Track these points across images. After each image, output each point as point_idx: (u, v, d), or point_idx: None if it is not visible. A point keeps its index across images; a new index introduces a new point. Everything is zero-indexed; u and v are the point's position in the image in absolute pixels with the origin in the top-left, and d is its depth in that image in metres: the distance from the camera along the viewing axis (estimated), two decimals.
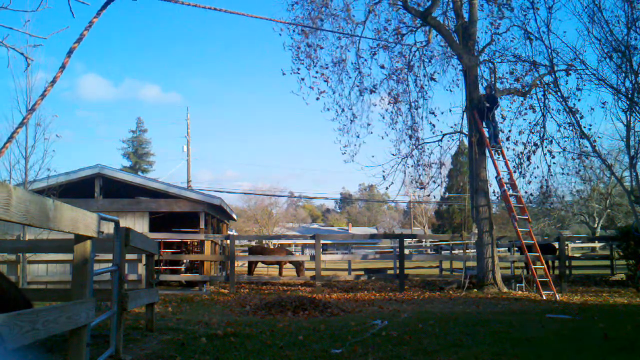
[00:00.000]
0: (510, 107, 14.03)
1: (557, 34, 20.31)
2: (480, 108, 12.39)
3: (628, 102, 9.46)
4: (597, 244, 32.78)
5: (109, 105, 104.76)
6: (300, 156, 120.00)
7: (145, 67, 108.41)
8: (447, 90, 14.97)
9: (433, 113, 14.47)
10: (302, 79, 13.94)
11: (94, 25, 3.08)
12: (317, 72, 14.13)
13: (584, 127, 12.25)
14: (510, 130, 13.84)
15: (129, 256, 6.56)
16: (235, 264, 13.97)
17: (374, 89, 14.65)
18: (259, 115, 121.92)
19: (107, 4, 3.02)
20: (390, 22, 14.39)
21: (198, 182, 70.10)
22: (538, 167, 13.64)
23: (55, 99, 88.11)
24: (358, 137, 14.74)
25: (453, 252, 20.66)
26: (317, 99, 14.25)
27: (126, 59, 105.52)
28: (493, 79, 13.62)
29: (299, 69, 13.96)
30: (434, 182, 14.68)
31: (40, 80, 20.72)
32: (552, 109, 13.34)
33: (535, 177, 13.83)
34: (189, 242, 16.90)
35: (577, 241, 29.22)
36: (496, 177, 12.19)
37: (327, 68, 14.34)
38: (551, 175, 13.67)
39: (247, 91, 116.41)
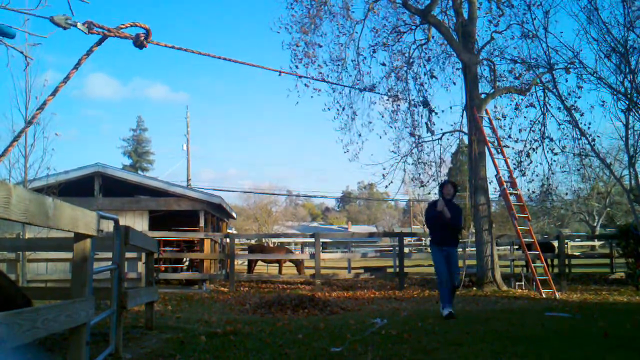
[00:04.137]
0: (510, 105, 14.08)
1: (555, 33, 20.28)
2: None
3: (627, 102, 9.44)
4: (596, 243, 32.82)
5: (116, 104, 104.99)
6: (302, 155, 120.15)
7: (152, 67, 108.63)
8: (445, 88, 15.03)
9: (434, 111, 14.49)
10: (300, 77, 13.95)
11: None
12: (315, 69, 14.16)
13: (582, 125, 12.29)
14: (510, 128, 13.90)
15: (128, 254, 6.56)
16: (235, 263, 13.97)
17: (373, 88, 14.67)
18: (261, 115, 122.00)
19: (97, 44, 3.02)
20: (389, 20, 14.42)
21: (200, 180, 70.26)
22: (540, 164, 13.71)
23: (63, 97, 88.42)
24: (360, 135, 14.78)
25: None
26: (312, 97, 14.30)
27: (135, 58, 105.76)
28: (492, 77, 13.62)
29: (297, 66, 13.98)
30: (434, 180, 14.70)
31: (40, 79, 20.71)
32: (552, 107, 13.38)
33: (537, 176, 13.87)
34: (188, 240, 16.91)
35: (576, 239, 29.21)
36: (496, 176, 12.19)
37: (326, 65, 14.36)
38: (552, 173, 13.70)
39: (252, 91, 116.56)
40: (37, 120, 10.52)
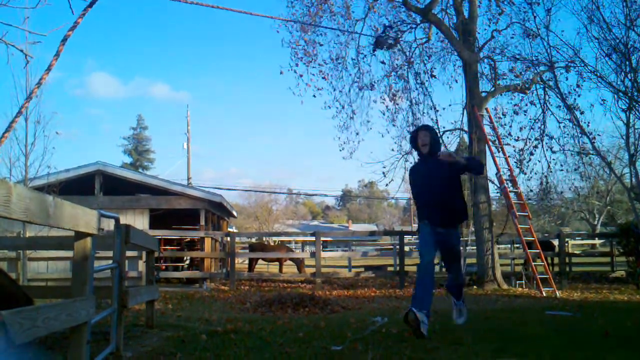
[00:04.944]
0: (510, 103, 14.07)
1: (556, 32, 20.26)
2: None
3: (628, 101, 9.44)
4: (597, 241, 32.85)
5: (117, 103, 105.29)
6: (303, 154, 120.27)
7: (153, 66, 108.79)
8: (448, 85, 15.02)
9: (435, 109, 14.48)
10: (301, 76, 13.97)
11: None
12: (315, 68, 14.16)
13: (582, 122, 12.28)
14: (510, 126, 13.89)
15: (129, 253, 6.56)
16: (236, 261, 13.98)
17: (374, 86, 14.66)
18: (262, 114, 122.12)
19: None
20: (389, 19, 14.40)
21: (201, 180, 70.45)
22: (540, 162, 13.71)
23: (64, 97, 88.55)
24: (357, 134, 14.77)
25: None
26: (314, 96, 14.28)
27: (137, 58, 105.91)
28: (493, 76, 13.61)
29: (297, 64, 13.98)
30: None
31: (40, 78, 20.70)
32: (552, 105, 13.38)
33: (536, 174, 13.87)
34: (189, 239, 16.93)
35: (577, 238, 29.18)
36: (496, 174, 12.19)
37: (326, 64, 14.36)
38: (551, 172, 13.70)
39: (253, 90, 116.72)
40: (37, 119, 10.57)
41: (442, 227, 5.03)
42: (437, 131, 5.57)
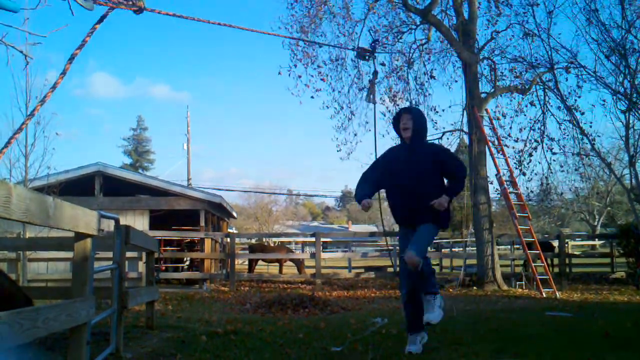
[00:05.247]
0: (510, 104, 14.08)
1: (554, 34, 20.27)
2: None
3: (627, 103, 9.46)
4: (597, 242, 32.87)
5: (117, 103, 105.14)
6: (303, 154, 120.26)
7: (154, 66, 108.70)
8: (447, 86, 15.02)
9: (435, 110, 14.49)
10: (299, 77, 14.00)
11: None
12: (314, 70, 14.19)
13: (583, 123, 12.31)
14: (510, 127, 13.89)
15: (129, 254, 6.56)
16: (236, 262, 13.97)
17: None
18: (262, 114, 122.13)
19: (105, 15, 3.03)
20: (389, 20, 14.42)
21: (201, 180, 70.44)
22: (540, 163, 13.74)
23: (64, 97, 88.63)
24: (355, 135, 14.79)
25: (453, 249, 20.68)
26: (312, 97, 14.31)
27: (137, 58, 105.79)
28: (493, 77, 13.62)
29: (295, 65, 14.02)
30: None
31: (40, 79, 20.70)
32: (552, 106, 13.40)
33: (536, 175, 13.89)
34: (189, 240, 16.93)
35: (577, 239, 29.20)
36: (496, 175, 12.20)
37: (326, 65, 14.38)
38: (551, 172, 13.72)
39: (253, 90, 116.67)
40: (37, 120, 10.57)
41: (412, 226, 4.42)
42: (424, 115, 4.84)
